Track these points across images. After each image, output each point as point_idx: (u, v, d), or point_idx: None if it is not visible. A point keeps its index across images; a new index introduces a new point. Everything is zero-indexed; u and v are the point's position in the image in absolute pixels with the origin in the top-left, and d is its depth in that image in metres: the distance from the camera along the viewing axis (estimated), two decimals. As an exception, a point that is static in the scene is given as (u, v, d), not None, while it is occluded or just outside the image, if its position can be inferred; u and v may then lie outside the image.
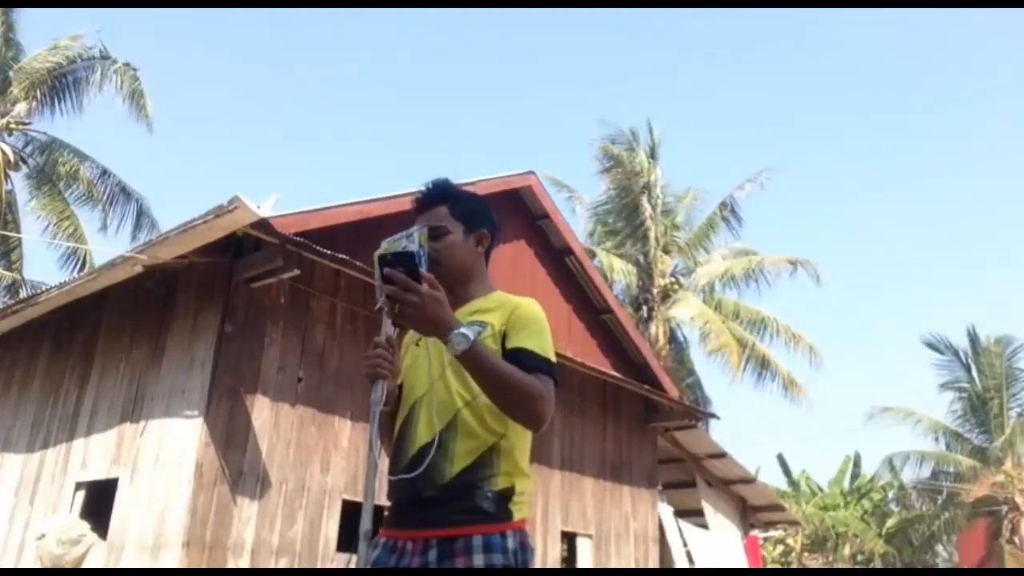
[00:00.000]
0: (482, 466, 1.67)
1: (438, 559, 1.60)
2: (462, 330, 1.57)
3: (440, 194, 1.91)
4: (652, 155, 16.43)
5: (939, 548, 23.13)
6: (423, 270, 1.58)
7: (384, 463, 1.76)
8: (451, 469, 1.66)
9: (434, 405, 1.72)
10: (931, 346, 19.72)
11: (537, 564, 7.89)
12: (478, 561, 1.58)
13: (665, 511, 10.32)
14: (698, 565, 10.41)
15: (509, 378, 1.63)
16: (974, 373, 19.51)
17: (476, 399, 1.70)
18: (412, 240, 1.77)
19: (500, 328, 1.75)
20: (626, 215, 16.22)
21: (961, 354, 19.63)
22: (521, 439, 1.75)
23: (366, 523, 1.66)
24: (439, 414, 1.71)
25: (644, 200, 15.81)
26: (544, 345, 1.74)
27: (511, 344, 1.72)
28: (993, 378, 18.98)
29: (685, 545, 10.50)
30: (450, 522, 1.63)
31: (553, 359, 1.75)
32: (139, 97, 13.59)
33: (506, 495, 1.67)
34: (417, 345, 1.88)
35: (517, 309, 1.78)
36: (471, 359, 1.60)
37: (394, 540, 1.70)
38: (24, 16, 14.22)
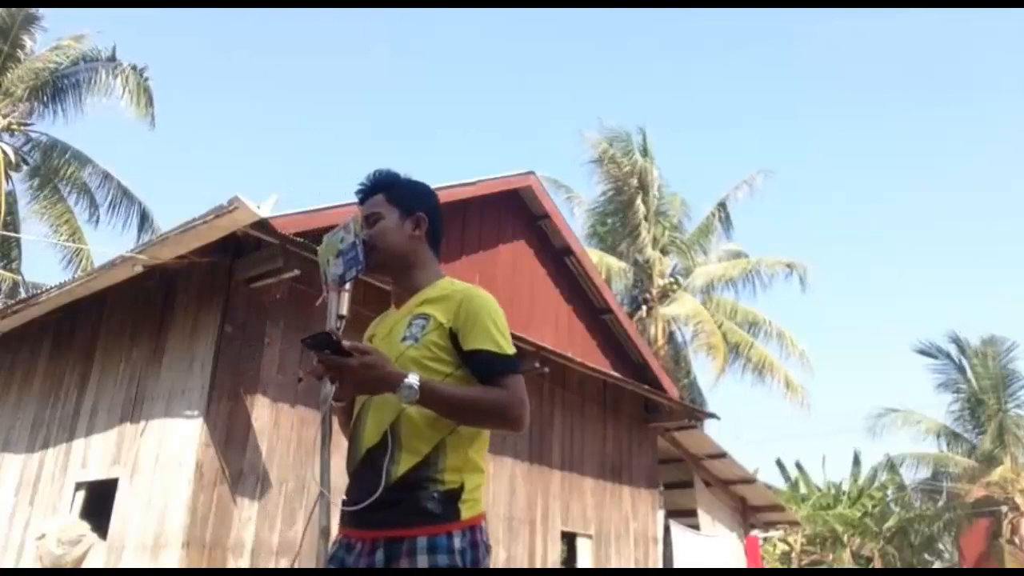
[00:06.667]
0: (428, 465, 1.66)
1: (385, 560, 1.62)
2: (407, 381, 1.59)
3: (376, 184, 1.95)
4: (645, 154, 16.41)
5: (939, 548, 23.14)
6: (346, 344, 1.61)
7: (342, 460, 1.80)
8: (396, 471, 1.66)
9: (380, 406, 1.72)
10: (924, 352, 19.73)
11: (537, 564, 7.88)
12: (422, 562, 1.58)
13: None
14: (678, 566, 10.35)
15: (469, 404, 1.66)
16: (968, 374, 19.55)
17: None
18: (348, 231, 1.87)
19: (447, 322, 1.73)
20: (622, 215, 16.23)
21: (954, 357, 19.67)
22: (474, 430, 1.73)
23: (323, 519, 1.69)
24: (385, 415, 1.71)
25: (638, 200, 15.81)
26: (499, 340, 1.71)
27: (467, 346, 1.71)
28: (988, 378, 19.01)
29: (668, 546, 10.43)
30: (396, 523, 1.63)
31: (510, 349, 1.73)
32: (145, 100, 13.49)
33: (454, 494, 1.66)
34: (370, 341, 1.89)
35: (464, 302, 1.74)
36: (425, 403, 1.62)
37: (348, 538, 1.72)
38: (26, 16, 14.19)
